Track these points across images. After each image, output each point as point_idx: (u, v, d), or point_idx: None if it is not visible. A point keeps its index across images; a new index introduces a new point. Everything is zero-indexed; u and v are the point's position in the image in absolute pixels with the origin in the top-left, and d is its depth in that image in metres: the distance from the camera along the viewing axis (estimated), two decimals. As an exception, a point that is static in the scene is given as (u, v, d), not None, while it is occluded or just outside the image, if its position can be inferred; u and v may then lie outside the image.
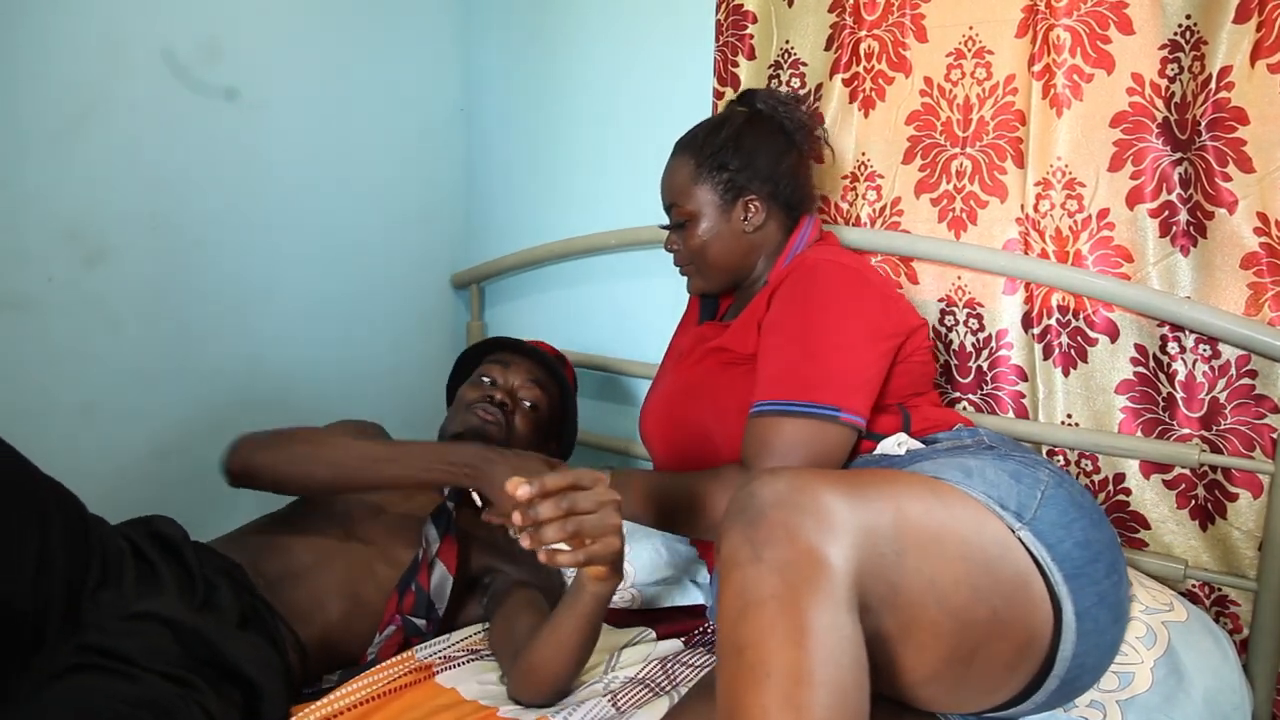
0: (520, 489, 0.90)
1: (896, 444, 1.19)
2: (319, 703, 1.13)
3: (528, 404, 1.55)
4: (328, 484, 1.31)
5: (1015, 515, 0.95)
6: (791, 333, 1.22)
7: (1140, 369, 1.38)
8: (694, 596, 1.55)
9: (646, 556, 1.56)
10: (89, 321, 1.70)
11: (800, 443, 1.14)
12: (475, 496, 1.48)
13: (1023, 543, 0.94)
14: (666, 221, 1.45)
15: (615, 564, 1.04)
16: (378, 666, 1.23)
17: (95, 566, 1.09)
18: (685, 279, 1.47)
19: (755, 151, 1.37)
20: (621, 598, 1.51)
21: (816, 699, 0.69)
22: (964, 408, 1.53)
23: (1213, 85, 1.27)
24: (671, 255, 1.46)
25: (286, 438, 1.33)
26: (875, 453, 1.19)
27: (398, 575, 1.35)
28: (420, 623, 1.33)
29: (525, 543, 0.93)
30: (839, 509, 0.79)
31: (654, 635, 1.40)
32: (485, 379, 1.57)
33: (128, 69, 1.71)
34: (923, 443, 1.20)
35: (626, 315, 2.08)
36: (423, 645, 1.30)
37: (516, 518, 0.92)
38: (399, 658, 1.26)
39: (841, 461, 1.18)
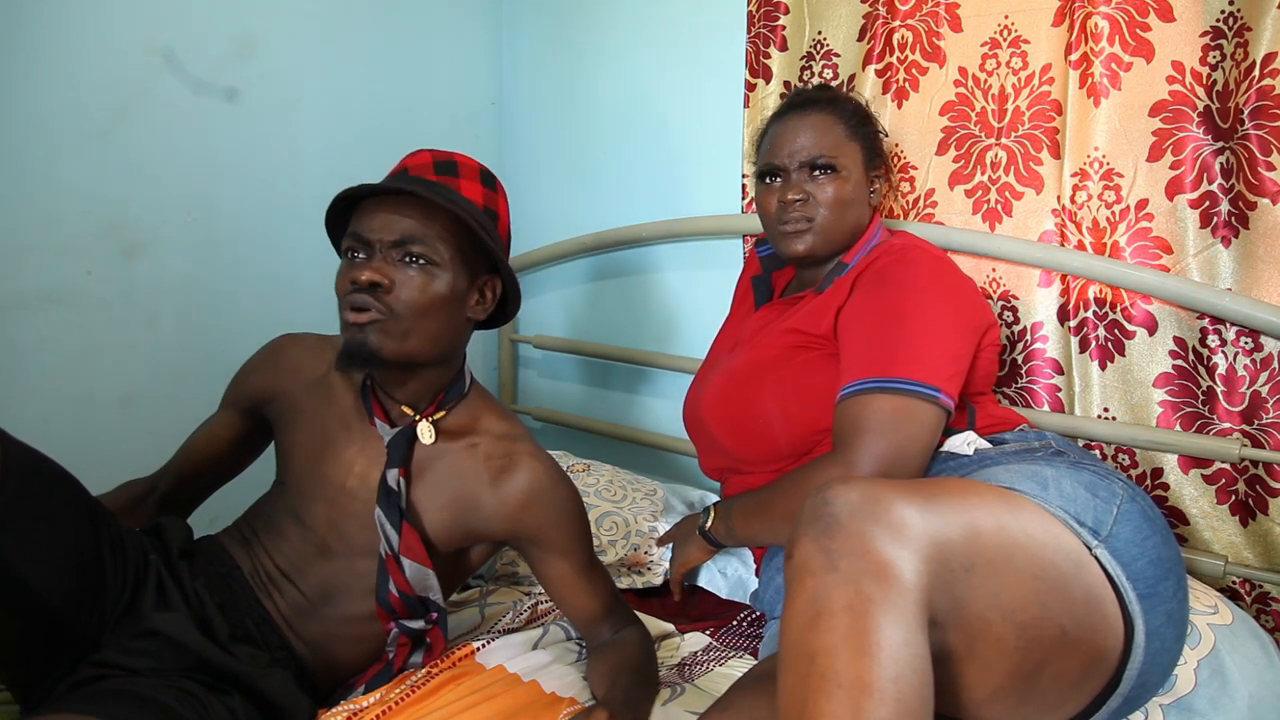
0: None
1: (965, 443, 1.17)
2: (355, 704, 1.13)
3: (416, 262, 1.14)
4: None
5: (1092, 532, 0.94)
6: (885, 314, 1.20)
7: (1179, 362, 1.36)
8: (717, 584, 1.54)
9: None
10: (127, 314, 1.74)
11: (894, 420, 1.11)
12: (423, 430, 1.21)
13: (1098, 560, 0.92)
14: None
15: None
16: (421, 669, 1.20)
17: (129, 587, 1.10)
18: (794, 237, 1.32)
19: (877, 131, 1.40)
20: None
21: (884, 713, 0.70)
22: (999, 401, 1.52)
23: (1256, 72, 1.24)
24: (786, 209, 1.32)
25: None
26: (943, 449, 1.18)
27: (369, 565, 1.18)
28: (418, 624, 1.19)
29: None
30: (913, 521, 0.79)
31: (677, 636, 1.40)
32: (349, 254, 1.18)
33: (163, 67, 1.73)
34: (989, 442, 1.18)
35: (659, 308, 2.08)
36: (452, 641, 1.27)
37: None
38: (440, 661, 1.21)
39: (932, 446, 1.15)
